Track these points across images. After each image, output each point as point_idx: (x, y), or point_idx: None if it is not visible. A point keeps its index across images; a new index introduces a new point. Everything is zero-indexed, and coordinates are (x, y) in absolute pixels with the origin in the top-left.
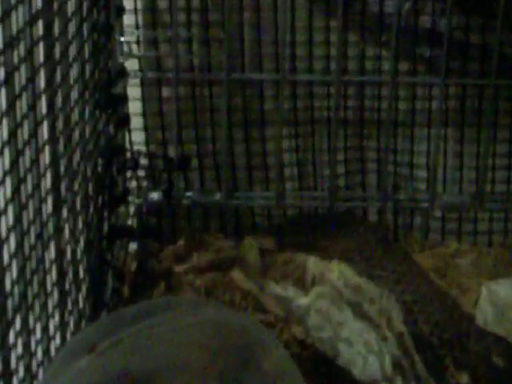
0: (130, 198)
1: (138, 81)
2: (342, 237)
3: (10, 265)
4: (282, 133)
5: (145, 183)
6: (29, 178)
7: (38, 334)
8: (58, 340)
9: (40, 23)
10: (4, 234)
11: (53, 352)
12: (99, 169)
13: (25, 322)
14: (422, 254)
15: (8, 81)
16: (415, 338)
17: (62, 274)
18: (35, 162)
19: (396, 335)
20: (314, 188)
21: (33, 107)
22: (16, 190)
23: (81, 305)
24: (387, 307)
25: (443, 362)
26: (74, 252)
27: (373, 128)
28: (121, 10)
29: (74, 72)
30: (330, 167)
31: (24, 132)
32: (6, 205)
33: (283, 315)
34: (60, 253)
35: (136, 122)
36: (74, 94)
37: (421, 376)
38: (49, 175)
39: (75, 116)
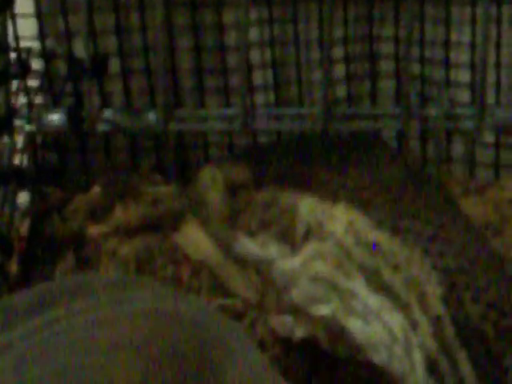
0: (18, 123)
1: None
2: (352, 167)
3: None
4: (249, 16)
5: (39, 99)
6: None
7: None
8: None
9: None
10: None
11: None
12: None
13: None
14: (465, 199)
15: None
16: (460, 325)
17: None
18: None
19: (432, 320)
20: (298, 102)
21: None
22: None
23: None
24: (419, 277)
25: (501, 361)
26: None
27: (387, 5)
28: None
29: None
30: (323, 69)
31: None
32: None
33: (256, 298)
34: None
35: (24, 4)
36: None
37: (467, 382)
38: None
39: None
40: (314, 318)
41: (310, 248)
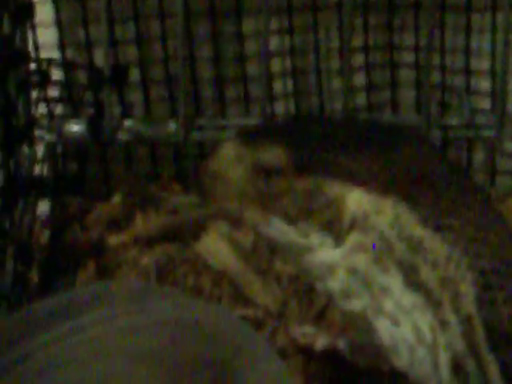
0: (38, 133)
1: None
2: (400, 160)
3: None
4: (269, 25)
5: (60, 109)
6: None
7: None
8: None
9: None
10: None
11: None
12: None
13: None
14: None
15: None
16: (490, 328)
17: None
18: None
19: (462, 320)
20: (319, 110)
21: None
22: None
23: None
24: (455, 276)
25: None
26: None
27: (407, 15)
28: None
29: None
30: (344, 77)
31: None
32: None
33: (277, 307)
34: None
35: (44, 13)
36: None
37: None
38: None
39: None
40: (345, 312)
41: (353, 240)
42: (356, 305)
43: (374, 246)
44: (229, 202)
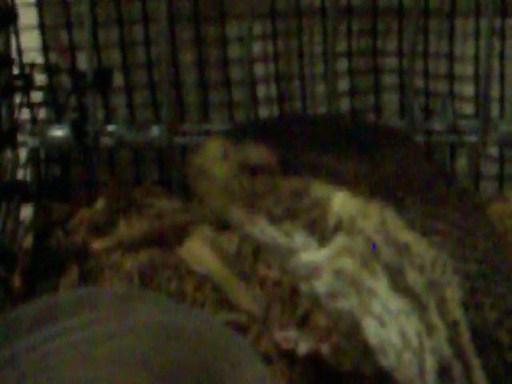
0: (21, 137)
1: None
2: (386, 163)
3: None
4: (253, 30)
5: (43, 113)
6: None
7: None
8: None
9: None
10: None
11: None
12: None
13: None
14: None
15: None
16: (476, 332)
17: None
18: None
19: (448, 325)
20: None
21: None
22: None
23: None
24: (441, 280)
25: None
26: None
27: (391, 20)
28: None
29: None
30: (328, 82)
31: None
32: None
33: (260, 312)
34: None
35: (27, 16)
36: None
37: None
38: None
39: None
40: (331, 311)
41: (339, 242)
42: (343, 304)
43: (361, 249)
44: (212, 198)
